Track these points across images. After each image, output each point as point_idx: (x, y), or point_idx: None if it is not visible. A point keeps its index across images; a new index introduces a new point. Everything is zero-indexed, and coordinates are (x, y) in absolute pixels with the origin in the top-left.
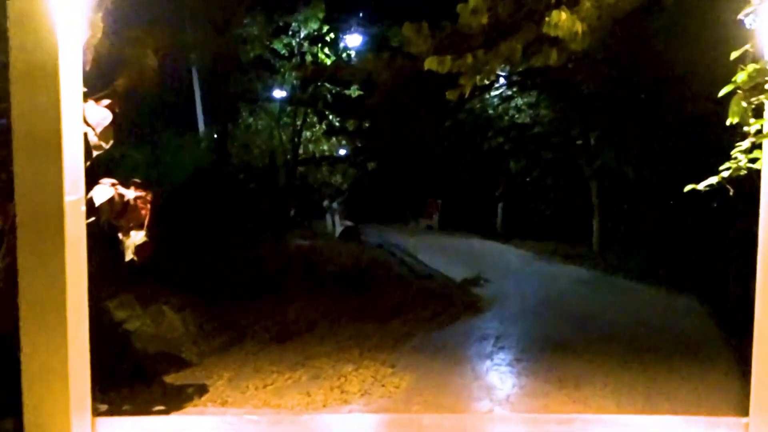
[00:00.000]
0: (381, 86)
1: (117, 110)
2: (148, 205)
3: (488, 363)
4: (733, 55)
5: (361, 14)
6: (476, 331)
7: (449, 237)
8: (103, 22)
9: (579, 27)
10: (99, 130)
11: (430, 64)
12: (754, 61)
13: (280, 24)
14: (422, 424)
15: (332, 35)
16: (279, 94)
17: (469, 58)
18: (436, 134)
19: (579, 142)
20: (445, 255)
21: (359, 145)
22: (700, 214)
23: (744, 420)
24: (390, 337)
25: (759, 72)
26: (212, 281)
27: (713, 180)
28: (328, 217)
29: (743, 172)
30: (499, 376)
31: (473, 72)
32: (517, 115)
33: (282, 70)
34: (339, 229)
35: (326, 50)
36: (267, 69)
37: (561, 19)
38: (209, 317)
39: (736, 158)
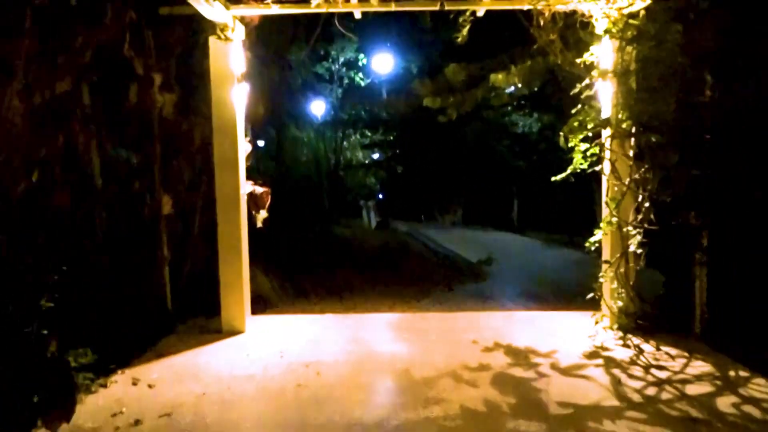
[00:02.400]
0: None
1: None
2: (269, 196)
3: (481, 304)
4: (573, 111)
5: (388, 44)
6: (477, 290)
7: (470, 230)
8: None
9: (516, 80)
10: (246, 154)
11: (427, 102)
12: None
13: (321, 52)
14: (425, 317)
15: (365, 61)
16: (320, 106)
17: (451, 99)
18: (456, 141)
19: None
20: (464, 243)
21: (389, 153)
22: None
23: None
24: (413, 293)
25: (581, 120)
26: (281, 258)
27: (563, 175)
28: (365, 213)
29: (579, 170)
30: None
31: (454, 106)
32: (521, 125)
33: (324, 92)
34: (374, 222)
35: (360, 74)
36: (311, 90)
37: (498, 78)
38: (282, 280)
39: (573, 163)
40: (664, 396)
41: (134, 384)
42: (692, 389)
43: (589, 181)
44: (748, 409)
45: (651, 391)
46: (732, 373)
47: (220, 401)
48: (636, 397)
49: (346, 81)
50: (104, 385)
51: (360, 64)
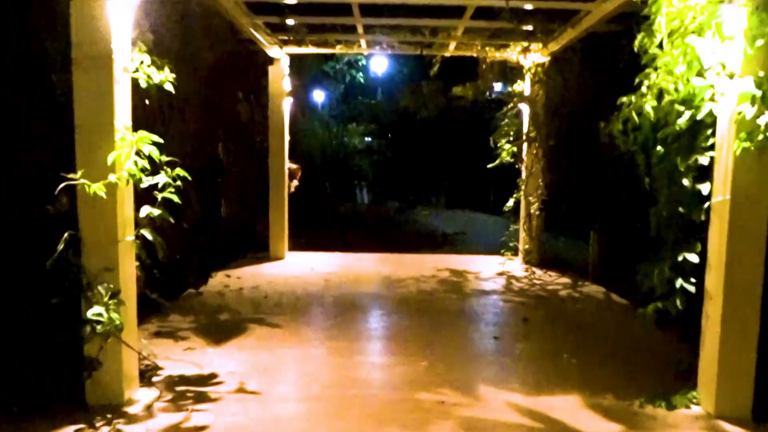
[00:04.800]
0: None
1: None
2: (300, 171)
3: None
4: (504, 122)
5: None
6: (449, 252)
7: (451, 211)
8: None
9: (469, 92)
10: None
11: (405, 102)
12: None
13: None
14: (404, 256)
15: (364, 62)
16: (324, 100)
17: (421, 101)
18: (440, 133)
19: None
20: (445, 220)
21: (383, 142)
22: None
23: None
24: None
25: (506, 130)
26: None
27: (495, 163)
28: (358, 192)
29: (505, 161)
30: None
31: (425, 108)
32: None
33: (330, 87)
34: (367, 201)
35: (360, 73)
36: (318, 84)
37: (458, 90)
38: (299, 239)
39: (500, 157)
40: (532, 289)
41: (228, 277)
42: (550, 287)
43: None
44: (574, 294)
45: (525, 287)
46: (579, 283)
47: (283, 283)
48: (515, 289)
49: (348, 78)
50: (212, 277)
51: (360, 64)
